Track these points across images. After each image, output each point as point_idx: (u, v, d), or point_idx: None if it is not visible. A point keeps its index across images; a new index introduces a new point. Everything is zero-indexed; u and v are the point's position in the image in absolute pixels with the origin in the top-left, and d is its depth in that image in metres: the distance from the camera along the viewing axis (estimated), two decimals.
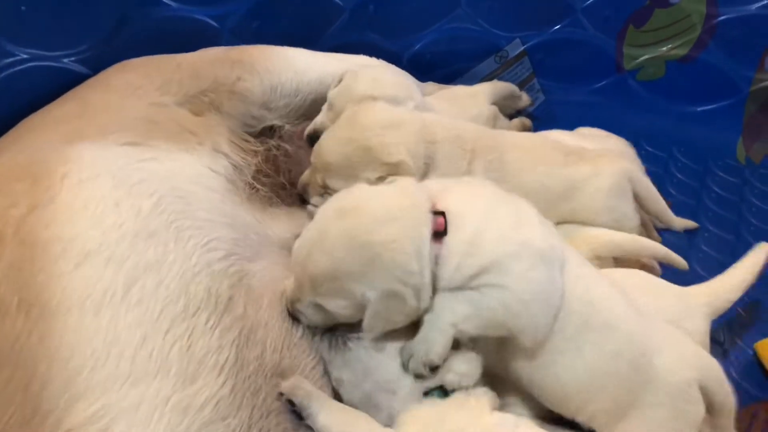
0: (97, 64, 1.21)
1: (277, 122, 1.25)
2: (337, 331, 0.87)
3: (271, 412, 0.79)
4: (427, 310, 0.80)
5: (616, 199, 1.11)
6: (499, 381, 0.87)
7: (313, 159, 1.09)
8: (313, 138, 1.19)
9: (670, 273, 1.21)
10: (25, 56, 1.15)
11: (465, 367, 0.80)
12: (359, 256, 0.78)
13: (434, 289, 0.80)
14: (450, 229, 0.80)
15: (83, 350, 0.70)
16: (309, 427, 0.80)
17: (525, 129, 1.60)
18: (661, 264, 1.19)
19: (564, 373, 0.81)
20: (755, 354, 1.14)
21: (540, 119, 1.68)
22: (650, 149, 1.62)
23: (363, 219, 0.80)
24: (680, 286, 1.19)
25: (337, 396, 0.86)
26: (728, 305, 1.00)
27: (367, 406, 0.82)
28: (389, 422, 0.79)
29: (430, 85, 1.58)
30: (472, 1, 1.65)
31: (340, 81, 1.22)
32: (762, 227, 1.43)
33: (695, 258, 1.34)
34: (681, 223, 1.33)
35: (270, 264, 0.93)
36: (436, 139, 1.06)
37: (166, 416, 0.70)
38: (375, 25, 1.60)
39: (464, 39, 1.68)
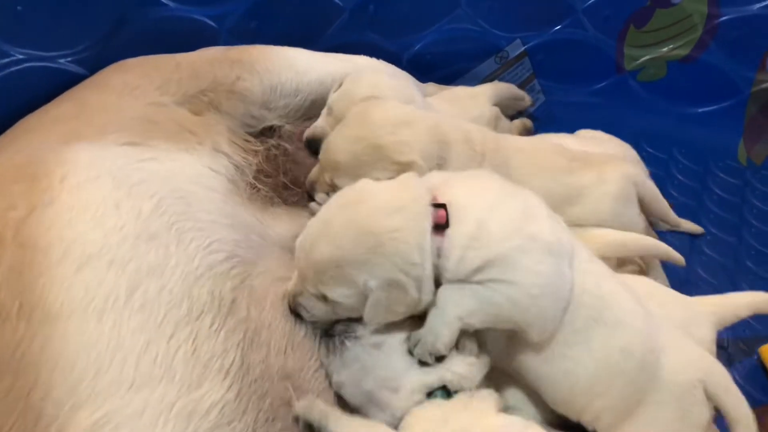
0: (94, 65, 1.19)
1: (277, 122, 1.24)
2: (335, 331, 0.87)
3: (276, 417, 0.78)
4: (432, 303, 0.81)
5: (622, 205, 1.11)
6: (505, 382, 0.88)
7: (321, 158, 1.07)
8: (312, 142, 1.18)
9: (672, 276, 1.22)
10: (21, 57, 1.13)
11: (466, 369, 0.80)
12: (363, 243, 0.79)
13: (439, 281, 0.80)
14: (452, 221, 0.80)
15: (86, 356, 0.69)
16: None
17: (526, 130, 1.59)
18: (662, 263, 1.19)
19: (572, 367, 0.81)
20: (759, 358, 1.14)
21: (540, 120, 1.68)
22: (651, 150, 1.62)
23: (367, 209, 0.81)
24: (683, 287, 1.20)
25: (341, 400, 0.85)
26: (735, 319, 0.99)
27: (370, 405, 0.81)
28: (393, 421, 0.79)
29: (431, 86, 1.57)
30: (473, 1, 1.64)
31: (339, 86, 1.21)
32: (764, 229, 1.42)
33: (697, 261, 1.33)
34: (686, 224, 1.34)
35: (272, 265, 0.92)
36: (449, 140, 1.05)
37: (170, 422, 0.69)
38: (375, 26, 1.59)
39: (464, 39, 1.67)
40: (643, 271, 1.16)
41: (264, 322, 0.83)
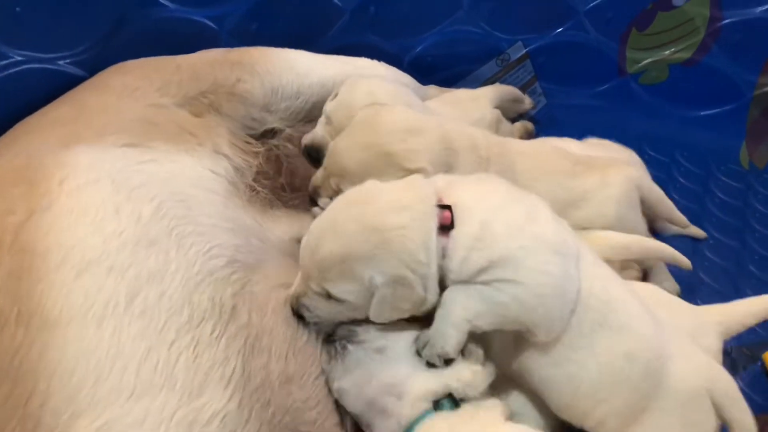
0: (93, 66, 1.18)
1: (278, 125, 1.23)
2: (337, 335, 0.86)
3: (279, 428, 0.77)
4: (438, 305, 0.80)
5: (625, 208, 1.11)
6: (509, 388, 0.87)
7: (327, 163, 1.06)
8: (311, 150, 1.18)
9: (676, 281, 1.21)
10: (20, 58, 1.12)
11: (471, 377, 0.79)
12: (370, 238, 0.79)
13: (444, 282, 0.80)
14: (456, 222, 0.80)
15: (85, 363, 0.68)
16: None
17: (527, 133, 1.58)
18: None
19: (576, 371, 0.80)
20: (763, 365, 1.13)
21: (541, 123, 1.67)
22: (653, 153, 1.61)
23: (374, 207, 0.82)
24: (685, 291, 1.21)
25: (341, 410, 0.84)
26: (742, 328, 0.98)
27: (373, 413, 0.80)
28: (398, 429, 0.78)
29: (432, 88, 1.57)
30: (474, 3, 1.64)
31: (336, 95, 1.20)
32: (767, 234, 1.41)
33: (700, 265, 1.32)
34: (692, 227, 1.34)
35: (273, 270, 0.91)
36: (456, 147, 1.04)
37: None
38: (376, 27, 1.58)
39: (466, 42, 1.67)
40: (639, 276, 1.16)
41: (265, 328, 0.82)
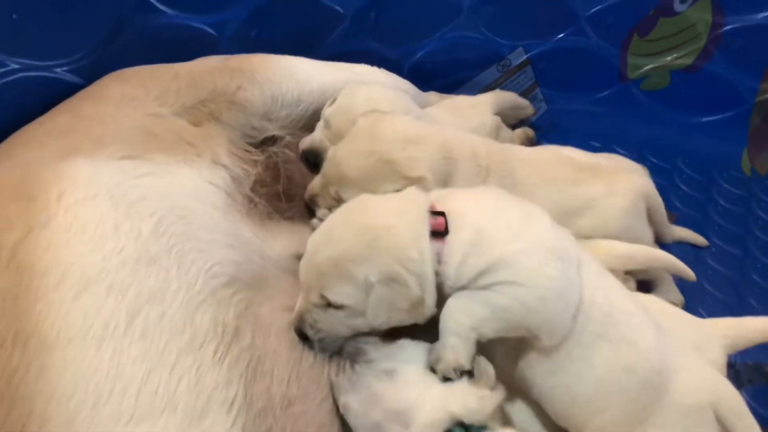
0: (90, 74, 1.17)
1: (278, 133, 1.22)
2: (344, 354, 0.85)
3: None
4: (441, 316, 0.80)
5: (632, 218, 1.10)
6: (512, 399, 0.86)
7: (326, 171, 1.05)
8: (310, 155, 1.16)
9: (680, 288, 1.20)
10: (16, 66, 1.11)
11: (478, 403, 0.78)
12: (361, 238, 0.80)
13: (443, 291, 0.80)
14: (451, 228, 0.81)
15: (84, 387, 0.66)
16: None
17: (528, 139, 1.58)
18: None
19: (574, 381, 0.80)
20: None
21: (542, 129, 1.67)
22: (654, 160, 1.61)
23: (366, 211, 0.85)
24: (687, 300, 1.20)
25: (345, 426, 0.82)
26: (748, 344, 0.97)
27: None
28: None
29: (432, 95, 1.56)
30: (475, 9, 1.63)
31: (333, 100, 1.19)
32: None
33: (702, 274, 1.31)
34: (691, 235, 1.34)
35: (275, 290, 0.89)
36: (455, 155, 1.04)
37: None
38: (376, 33, 1.57)
39: (466, 47, 1.66)
40: (635, 287, 1.14)
41: (268, 351, 0.80)
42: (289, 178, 1.17)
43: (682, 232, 1.36)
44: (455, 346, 0.79)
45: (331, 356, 0.85)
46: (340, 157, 1.03)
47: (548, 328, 0.78)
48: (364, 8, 1.52)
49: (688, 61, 1.65)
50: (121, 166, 0.89)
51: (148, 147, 0.96)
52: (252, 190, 1.07)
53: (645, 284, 1.18)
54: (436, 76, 1.65)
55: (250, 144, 1.16)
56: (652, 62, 1.68)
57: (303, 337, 0.85)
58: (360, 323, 0.83)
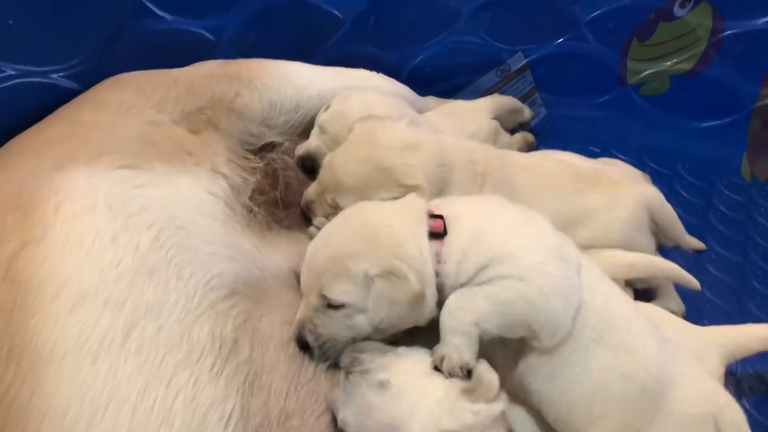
0: (88, 80, 1.16)
1: (276, 139, 1.21)
2: (342, 362, 0.84)
3: None
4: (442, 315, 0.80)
5: (633, 230, 1.10)
6: (511, 406, 0.85)
7: (323, 177, 1.05)
8: (307, 161, 1.16)
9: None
10: (12, 72, 1.10)
11: (473, 419, 0.77)
12: (359, 236, 0.83)
13: (444, 292, 0.81)
14: (449, 230, 0.83)
15: (79, 403, 0.66)
16: None
17: (528, 144, 1.57)
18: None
19: (571, 387, 0.80)
20: None
21: (542, 134, 1.66)
22: (654, 165, 1.60)
23: (365, 213, 0.88)
24: (687, 308, 1.19)
25: None
26: (747, 353, 0.97)
27: None
28: None
29: (431, 99, 1.55)
30: (474, 13, 1.62)
31: (327, 107, 1.19)
32: None
33: (703, 281, 1.27)
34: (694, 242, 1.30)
35: (275, 304, 0.88)
36: (452, 163, 1.04)
37: None
38: (375, 38, 1.56)
39: (466, 52, 1.65)
40: (632, 296, 1.13)
41: (266, 365, 0.80)
42: (287, 184, 1.16)
43: None
44: (458, 343, 0.78)
45: (330, 366, 0.84)
46: (337, 164, 1.02)
47: (549, 326, 0.78)
48: (363, 13, 1.52)
49: (687, 66, 1.64)
50: (120, 176, 0.89)
51: (146, 156, 0.95)
52: (251, 198, 1.06)
53: (646, 293, 1.17)
54: (436, 80, 1.64)
55: (249, 151, 1.16)
56: (652, 67, 1.67)
57: (303, 346, 0.84)
58: (361, 323, 0.82)
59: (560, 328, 0.78)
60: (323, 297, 0.82)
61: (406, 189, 0.96)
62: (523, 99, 1.67)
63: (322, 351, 0.84)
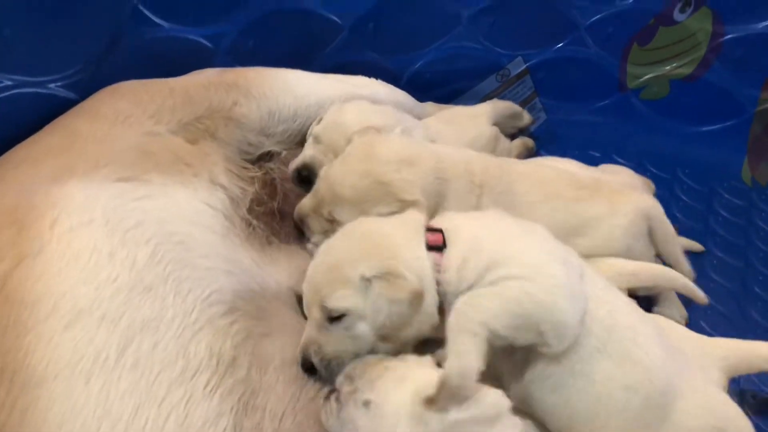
0: (85, 89, 1.15)
1: (274, 148, 1.21)
2: (337, 383, 0.82)
3: None
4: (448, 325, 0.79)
5: (632, 239, 1.08)
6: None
7: (321, 190, 1.04)
8: (303, 171, 1.15)
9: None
10: (8, 83, 1.09)
11: None
12: (357, 244, 0.84)
13: (446, 302, 0.80)
14: (448, 243, 0.83)
15: (71, 424, 0.65)
16: None
17: (527, 149, 1.57)
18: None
19: (574, 397, 0.79)
20: None
21: (541, 139, 1.65)
22: (654, 170, 1.60)
23: (363, 225, 0.89)
24: (691, 315, 1.18)
25: None
26: (750, 369, 0.95)
27: None
28: None
29: (430, 105, 1.54)
30: (474, 18, 1.61)
31: (320, 119, 1.19)
32: None
33: (705, 287, 1.25)
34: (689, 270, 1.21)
35: (276, 322, 0.87)
36: (447, 176, 1.03)
37: None
38: (375, 44, 1.56)
39: (465, 57, 1.64)
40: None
41: (263, 385, 0.78)
42: (285, 195, 1.15)
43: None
44: (465, 350, 0.74)
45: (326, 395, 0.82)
46: (336, 177, 1.02)
47: (557, 328, 0.77)
48: (362, 19, 1.51)
49: (687, 70, 1.63)
50: (118, 189, 0.88)
51: (144, 167, 0.95)
52: (249, 210, 1.05)
53: (647, 299, 1.17)
54: (435, 86, 1.64)
55: (246, 160, 1.15)
56: (652, 71, 1.66)
57: (309, 368, 0.83)
58: (363, 331, 0.81)
59: (568, 330, 0.77)
60: (324, 308, 0.81)
61: (404, 204, 0.96)
62: (523, 104, 1.66)
63: (329, 372, 0.83)
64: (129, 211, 0.84)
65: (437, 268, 0.80)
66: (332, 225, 1.00)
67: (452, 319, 0.78)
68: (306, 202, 1.06)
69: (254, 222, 1.03)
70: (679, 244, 1.16)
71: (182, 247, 0.83)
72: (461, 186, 1.04)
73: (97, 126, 1.02)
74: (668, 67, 1.65)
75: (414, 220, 0.88)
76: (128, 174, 0.92)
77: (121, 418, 0.67)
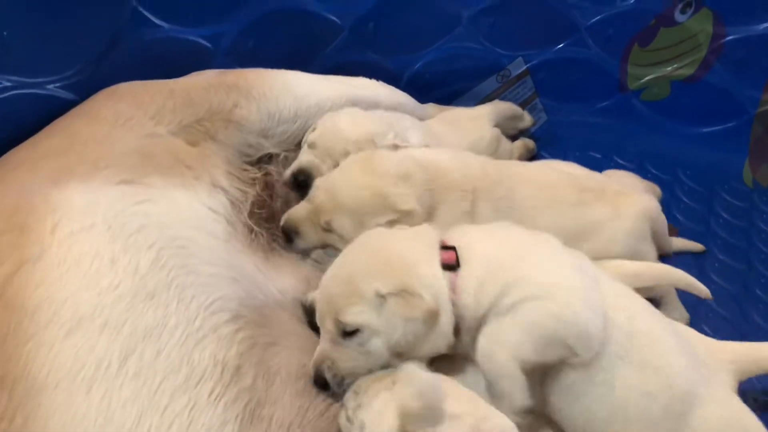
0: (84, 90, 1.15)
1: (274, 150, 1.20)
2: (345, 400, 0.81)
3: None
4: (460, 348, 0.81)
5: (636, 241, 1.09)
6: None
7: (320, 198, 1.03)
8: (300, 176, 1.14)
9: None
10: (7, 84, 1.08)
11: None
12: (372, 259, 0.83)
13: (463, 324, 0.80)
14: (462, 262, 0.83)
15: None
16: None
17: (528, 150, 1.57)
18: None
19: (593, 404, 0.79)
20: None
21: (542, 140, 1.65)
22: (655, 171, 1.59)
23: (379, 239, 0.89)
24: (693, 317, 1.18)
25: None
26: (760, 371, 0.94)
27: None
28: None
29: (431, 107, 1.54)
30: (474, 19, 1.61)
31: (314, 128, 1.19)
32: None
33: None
34: (689, 244, 1.31)
35: (282, 331, 0.87)
36: (440, 185, 1.04)
37: None
38: (375, 44, 1.55)
39: (466, 58, 1.64)
40: None
41: (270, 396, 0.77)
42: (285, 197, 1.15)
43: (678, 242, 1.34)
44: (508, 390, 0.78)
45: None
46: (339, 186, 1.02)
47: (583, 338, 0.77)
48: (362, 19, 1.51)
49: (688, 71, 1.63)
50: (119, 193, 0.87)
51: (144, 170, 0.94)
52: (250, 214, 1.05)
53: (649, 301, 1.15)
54: (435, 86, 1.64)
55: (247, 162, 1.14)
56: (653, 72, 1.66)
57: (323, 384, 0.82)
58: (377, 348, 0.81)
59: (594, 338, 0.78)
60: (338, 322, 0.81)
61: (401, 214, 0.97)
62: (524, 104, 1.66)
63: (342, 388, 0.82)
64: (131, 215, 0.83)
65: (453, 288, 0.80)
66: (327, 234, 1.01)
67: (483, 363, 0.79)
68: (300, 210, 1.04)
69: (256, 228, 1.02)
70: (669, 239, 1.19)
71: (185, 253, 0.82)
72: (452, 196, 1.04)
73: (97, 128, 1.01)
74: (669, 68, 1.64)
75: (428, 235, 0.88)
76: (129, 177, 0.91)
77: (123, 427, 0.66)
